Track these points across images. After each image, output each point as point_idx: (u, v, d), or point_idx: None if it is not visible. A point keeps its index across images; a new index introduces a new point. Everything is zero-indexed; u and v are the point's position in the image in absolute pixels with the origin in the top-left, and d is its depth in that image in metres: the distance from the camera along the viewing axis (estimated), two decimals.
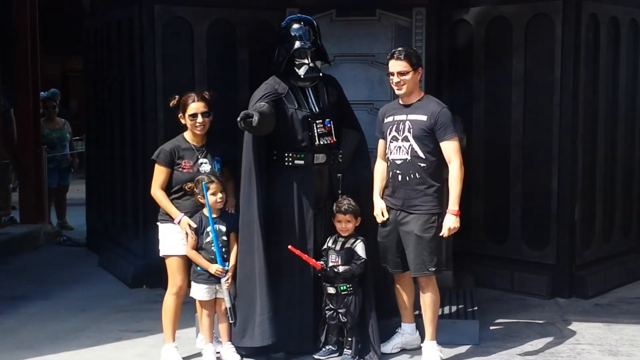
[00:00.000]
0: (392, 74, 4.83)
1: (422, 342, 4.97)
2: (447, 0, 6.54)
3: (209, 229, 4.81)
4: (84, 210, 8.64)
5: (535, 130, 6.38)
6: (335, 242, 4.97)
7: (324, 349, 4.99)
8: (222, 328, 4.95)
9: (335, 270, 4.85)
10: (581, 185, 6.36)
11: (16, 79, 8.83)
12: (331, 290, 4.90)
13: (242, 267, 4.86)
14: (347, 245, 4.93)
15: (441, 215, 4.80)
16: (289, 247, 4.80)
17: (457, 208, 4.76)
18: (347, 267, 4.86)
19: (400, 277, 5.04)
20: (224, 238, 4.88)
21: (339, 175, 5.10)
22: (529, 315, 5.86)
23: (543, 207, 6.34)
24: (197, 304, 5.00)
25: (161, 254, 4.99)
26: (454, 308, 5.48)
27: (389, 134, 4.89)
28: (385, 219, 4.88)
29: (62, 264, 7.75)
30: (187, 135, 4.99)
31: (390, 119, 4.92)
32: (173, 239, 4.90)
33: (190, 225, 4.83)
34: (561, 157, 6.27)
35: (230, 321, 4.86)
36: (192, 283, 4.92)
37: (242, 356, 4.91)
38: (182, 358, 4.97)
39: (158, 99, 6.43)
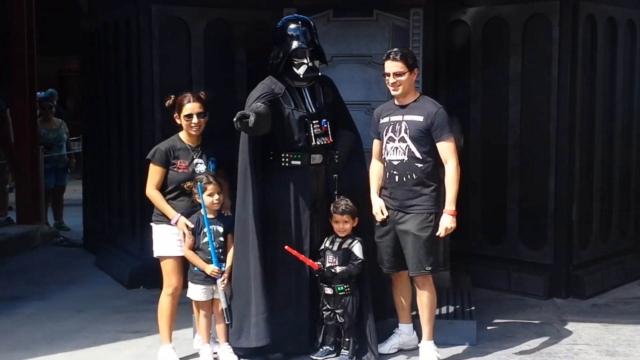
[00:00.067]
0: (388, 75, 4.83)
1: (419, 342, 4.97)
2: (444, 0, 6.54)
3: (205, 229, 4.81)
4: (80, 211, 8.62)
5: (532, 131, 6.39)
6: (332, 242, 4.97)
7: (321, 350, 4.98)
8: (220, 329, 4.94)
9: (333, 270, 4.85)
10: (578, 185, 6.36)
11: (13, 79, 8.81)
12: (328, 290, 4.89)
13: (238, 267, 4.85)
14: (345, 245, 4.93)
15: (438, 214, 4.80)
16: (286, 247, 4.80)
17: (453, 208, 4.76)
18: (344, 267, 4.85)
19: (397, 278, 5.04)
20: (221, 239, 4.87)
21: (335, 175, 5.09)
22: (527, 316, 5.86)
23: (540, 207, 6.35)
24: (194, 304, 4.99)
25: (155, 254, 4.98)
26: (451, 308, 5.49)
27: (385, 134, 4.89)
28: (384, 217, 4.88)
29: (59, 264, 7.74)
30: (183, 135, 4.98)
31: (386, 119, 4.92)
32: (168, 239, 4.89)
33: (187, 226, 4.83)
34: (558, 157, 6.27)
35: (226, 322, 4.86)
36: (189, 283, 4.91)
37: (239, 357, 4.90)
38: (180, 359, 4.97)
39: (155, 99, 6.42)
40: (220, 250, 4.85)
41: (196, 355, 5.03)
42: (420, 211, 4.80)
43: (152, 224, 4.98)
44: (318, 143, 4.98)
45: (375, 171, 5.00)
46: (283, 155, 4.97)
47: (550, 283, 6.33)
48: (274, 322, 4.85)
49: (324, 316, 4.94)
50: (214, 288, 4.86)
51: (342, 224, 4.92)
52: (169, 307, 4.91)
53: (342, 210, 4.90)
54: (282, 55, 4.97)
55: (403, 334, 5.11)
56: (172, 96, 5.01)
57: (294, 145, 4.97)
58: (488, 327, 5.56)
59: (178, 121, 4.97)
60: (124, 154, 7.01)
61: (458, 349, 5.12)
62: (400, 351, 5.09)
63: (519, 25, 6.36)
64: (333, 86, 5.24)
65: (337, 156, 5.07)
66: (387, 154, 4.89)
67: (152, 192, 4.91)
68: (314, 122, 4.98)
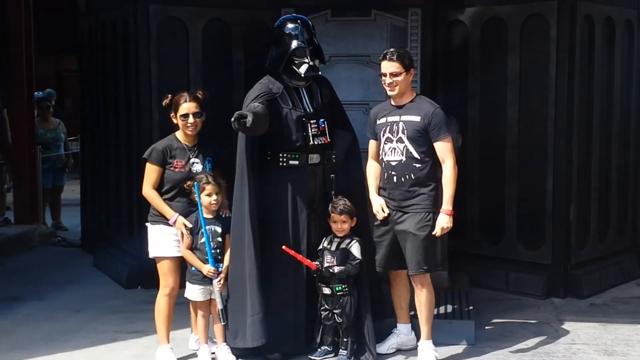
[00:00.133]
0: (385, 75, 4.83)
1: (417, 342, 4.96)
2: (442, 0, 6.54)
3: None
4: (78, 211, 8.61)
5: (530, 131, 6.39)
6: (330, 242, 4.97)
7: (319, 350, 4.98)
8: (217, 329, 4.93)
9: (331, 270, 4.85)
10: (576, 185, 6.36)
11: (11, 78, 8.81)
12: (326, 290, 4.89)
13: (234, 267, 4.84)
14: (343, 245, 4.92)
15: (437, 214, 4.80)
16: (284, 247, 4.80)
17: (450, 208, 4.76)
18: (342, 267, 4.85)
19: (396, 278, 5.04)
20: (219, 239, 4.87)
21: (332, 175, 5.09)
22: (525, 315, 5.87)
23: (538, 207, 6.35)
24: (191, 305, 4.99)
25: (151, 255, 4.97)
26: (449, 308, 5.49)
27: (383, 135, 4.89)
28: (386, 214, 4.87)
29: (57, 264, 7.73)
30: (179, 134, 4.97)
31: (383, 120, 4.91)
32: (164, 240, 4.89)
33: (185, 225, 4.82)
34: (556, 157, 6.27)
35: (222, 323, 4.85)
36: (187, 283, 4.91)
37: (237, 357, 4.90)
38: (177, 359, 4.96)
39: (153, 99, 6.41)
40: (217, 250, 4.85)
41: (194, 355, 5.03)
42: (418, 210, 4.80)
43: (147, 224, 4.97)
44: (316, 143, 4.98)
45: (373, 171, 5.00)
46: (281, 155, 4.96)
47: (548, 283, 6.33)
48: (272, 322, 4.85)
49: (322, 316, 4.94)
50: (211, 288, 4.86)
51: (341, 224, 4.91)
52: (166, 307, 4.90)
53: (340, 210, 4.89)
54: (282, 54, 4.97)
55: (401, 333, 5.11)
56: (169, 95, 5.00)
57: (292, 145, 4.97)
58: (486, 327, 5.56)
59: (174, 121, 4.96)
60: (121, 154, 7.00)
61: (456, 349, 5.12)
62: (399, 351, 5.09)
63: (517, 25, 6.36)
64: (330, 86, 5.24)
65: (334, 156, 5.07)
66: (385, 154, 4.88)
67: (148, 191, 4.90)
68: (311, 121, 4.98)
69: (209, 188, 4.80)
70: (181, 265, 4.95)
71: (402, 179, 4.81)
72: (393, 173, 4.84)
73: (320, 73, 5.12)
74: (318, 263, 4.88)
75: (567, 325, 5.63)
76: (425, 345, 4.88)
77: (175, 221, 4.82)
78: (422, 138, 4.80)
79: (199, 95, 4.97)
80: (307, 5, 6.07)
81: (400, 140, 4.82)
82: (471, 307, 5.53)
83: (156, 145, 4.96)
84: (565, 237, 6.32)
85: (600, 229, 6.70)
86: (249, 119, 4.59)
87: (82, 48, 8.18)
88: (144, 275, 6.38)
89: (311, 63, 4.96)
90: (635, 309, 6.06)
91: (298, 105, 5.02)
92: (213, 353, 4.95)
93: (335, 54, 6.09)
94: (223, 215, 4.92)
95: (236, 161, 4.89)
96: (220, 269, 4.82)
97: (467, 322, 5.30)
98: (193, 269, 4.86)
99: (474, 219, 6.65)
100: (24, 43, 8.70)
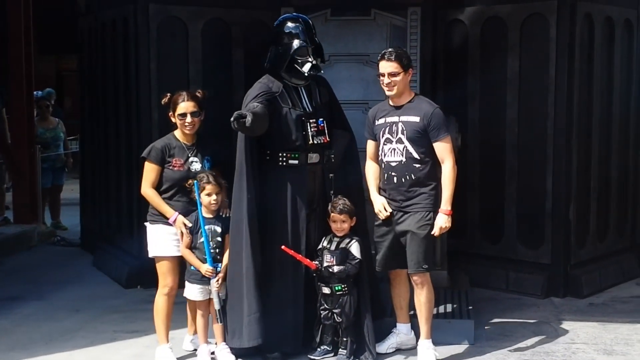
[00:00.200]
0: (383, 75, 4.83)
1: (417, 342, 4.97)
2: (442, 0, 6.54)
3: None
4: (78, 210, 8.62)
5: (530, 130, 6.39)
6: (330, 242, 4.97)
7: (319, 349, 4.98)
8: (216, 329, 4.93)
9: (330, 270, 4.85)
10: (576, 185, 6.36)
11: (10, 78, 8.80)
12: (326, 290, 4.89)
13: (232, 266, 4.84)
14: (342, 245, 4.92)
15: (436, 213, 4.80)
16: (283, 247, 4.80)
17: (449, 208, 4.76)
18: (341, 267, 4.85)
19: (395, 277, 5.04)
20: (219, 239, 4.87)
21: (330, 175, 5.09)
22: (524, 315, 5.87)
23: (538, 206, 6.35)
24: (188, 304, 4.98)
25: (150, 255, 4.97)
26: (449, 307, 5.49)
27: (382, 136, 4.88)
28: (388, 213, 4.86)
29: (56, 264, 7.73)
30: (178, 133, 4.97)
31: (381, 120, 4.91)
32: (163, 239, 4.88)
33: (185, 224, 4.82)
34: (556, 157, 6.27)
35: (219, 323, 4.85)
36: (186, 283, 4.91)
37: (236, 357, 4.90)
38: (177, 359, 4.96)
39: (152, 99, 6.41)
40: (217, 250, 4.85)
41: (193, 355, 5.03)
42: (418, 209, 4.80)
43: (146, 223, 4.97)
44: (315, 142, 4.98)
45: (372, 171, 5.00)
46: (280, 154, 4.96)
47: (548, 282, 6.33)
48: (272, 322, 4.85)
49: (322, 316, 4.94)
50: (210, 288, 4.86)
51: (340, 224, 4.91)
52: (165, 307, 4.90)
53: (340, 210, 4.89)
54: (284, 53, 4.96)
55: (401, 333, 5.11)
56: (168, 94, 5.00)
57: (291, 144, 4.97)
58: (486, 327, 5.56)
59: (173, 119, 4.96)
60: (121, 153, 7.00)
61: (456, 348, 5.12)
62: (398, 350, 5.09)
63: (517, 25, 6.36)
64: (328, 86, 5.24)
65: (333, 156, 5.07)
66: (385, 155, 4.88)
67: (147, 190, 4.89)
68: (310, 121, 4.98)
69: (209, 188, 4.79)
70: (180, 264, 4.95)
71: (403, 180, 4.81)
72: (393, 174, 4.84)
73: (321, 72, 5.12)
74: (317, 263, 4.88)
75: (566, 325, 5.63)
76: (425, 345, 4.88)
77: (175, 220, 4.82)
78: (422, 138, 4.80)
79: (197, 95, 4.97)
80: (307, 4, 6.06)
81: (399, 141, 4.82)
82: (471, 307, 5.54)
83: (155, 144, 4.96)
84: (565, 236, 6.32)
85: (600, 228, 6.70)
86: (249, 119, 4.59)
87: (82, 48, 8.18)
88: (144, 274, 6.37)
89: (314, 62, 4.97)
90: (634, 309, 6.06)
91: (297, 105, 5.01)
92: (213, 353, 4.95)
93: (335, 54, 6.09)
94: (223, 215, 4.92)
95: (235, 161, 4.89)
96: (218, 269, 4.82)
97: (467, 322, 5.30)
98: (192, 268, 4.85)
99: (474, 219, 6.65)
100: (24, 42, 8.69)
